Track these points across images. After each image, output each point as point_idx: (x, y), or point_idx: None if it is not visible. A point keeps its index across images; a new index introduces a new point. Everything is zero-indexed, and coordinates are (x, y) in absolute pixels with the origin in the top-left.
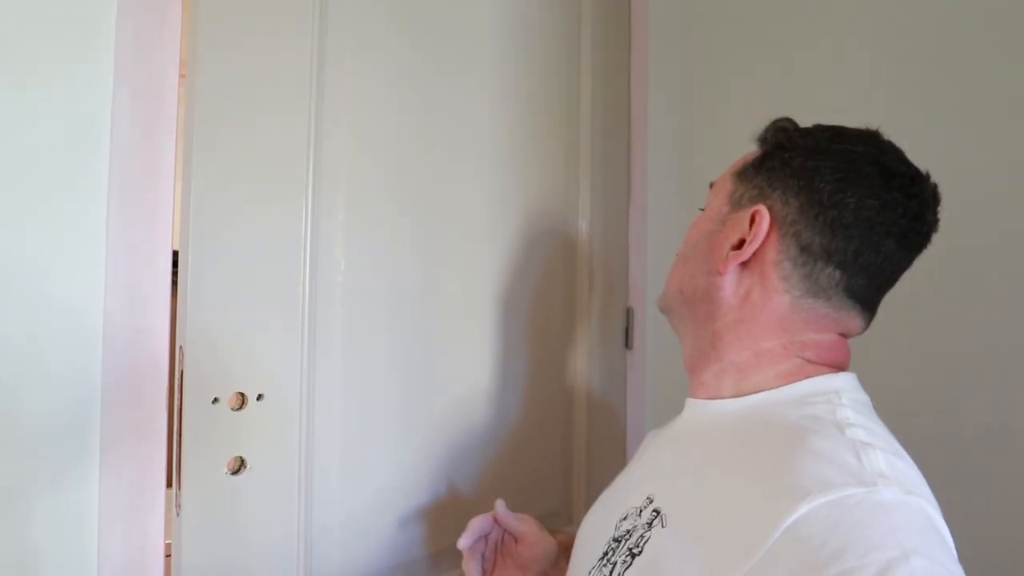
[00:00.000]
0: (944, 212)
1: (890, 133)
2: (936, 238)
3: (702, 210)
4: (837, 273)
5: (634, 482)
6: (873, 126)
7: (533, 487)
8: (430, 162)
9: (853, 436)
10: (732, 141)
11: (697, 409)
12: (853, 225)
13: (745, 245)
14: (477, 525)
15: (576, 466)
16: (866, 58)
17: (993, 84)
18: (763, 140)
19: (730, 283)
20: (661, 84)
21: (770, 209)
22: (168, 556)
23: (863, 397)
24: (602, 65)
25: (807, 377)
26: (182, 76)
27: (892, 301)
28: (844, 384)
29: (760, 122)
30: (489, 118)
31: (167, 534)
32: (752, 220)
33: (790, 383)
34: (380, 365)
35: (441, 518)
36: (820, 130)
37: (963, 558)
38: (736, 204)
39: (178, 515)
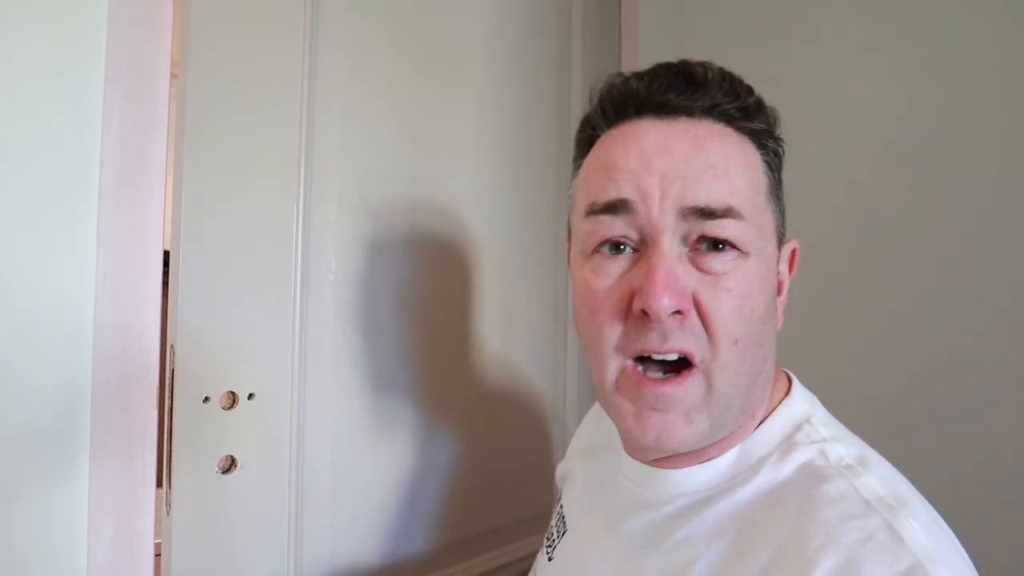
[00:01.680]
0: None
1: (887, 123)
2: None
3: (730, 246)
4: None
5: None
6: (875, 123)
7: (521, 489)
8: (421, 162)
9: (869, 493)
10: None
11: (657, 481)
12: None
13: (783, 287)
14: None
15: None
16: (863, 49)
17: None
18: (747, 111)
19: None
20: None
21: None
22: (158, 556)
23: (819, 406)
24: (592, 61)
25: (773, 408)
26: (173, 76)
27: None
28: (801, 403)
29: None
30: (481, 115)
31: (157, 533)
32: (793, 257)
33: (760, 421)
34: (370, 364)
35: (431, 517)
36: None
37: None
38: (778, 241)
39: (168, 514)
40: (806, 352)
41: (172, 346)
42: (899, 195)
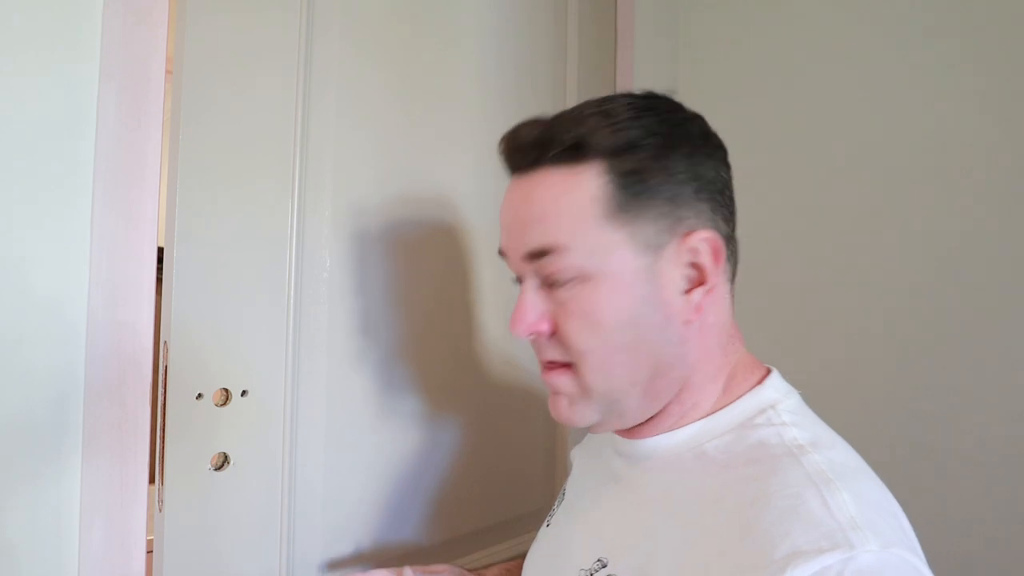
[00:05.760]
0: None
1: (888, 118)
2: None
3: (565, 277)
4: (736, 241)
5: (578, 530)
6: (869, 128)
7: (517, 484)
8: (418, 160)
9: (811, 467)
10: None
11: (632, 449)
12: (729, 189)
13: (708, 276)
14: None
15: (560, 462)
16: (857, 62)
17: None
18: (578, 147)
19: (695, 326)
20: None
21: (694, 224)
22: (150, 552)
23: (794, 396)
24: (588, 57)
25: (740, 394)
26: (168, 72)
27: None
28: (771, 391)
29: (747, 120)
30: (478, 112)
31: (149, 530)
32: (712, 247)
33: (725, 405)
34: (365, 362)
35: (425, 515)
36: (646, 105)
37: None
38: (653, 247)
39: (160, 511)
40: (798, 347)
41: (165, 343)
42: (886, 197)
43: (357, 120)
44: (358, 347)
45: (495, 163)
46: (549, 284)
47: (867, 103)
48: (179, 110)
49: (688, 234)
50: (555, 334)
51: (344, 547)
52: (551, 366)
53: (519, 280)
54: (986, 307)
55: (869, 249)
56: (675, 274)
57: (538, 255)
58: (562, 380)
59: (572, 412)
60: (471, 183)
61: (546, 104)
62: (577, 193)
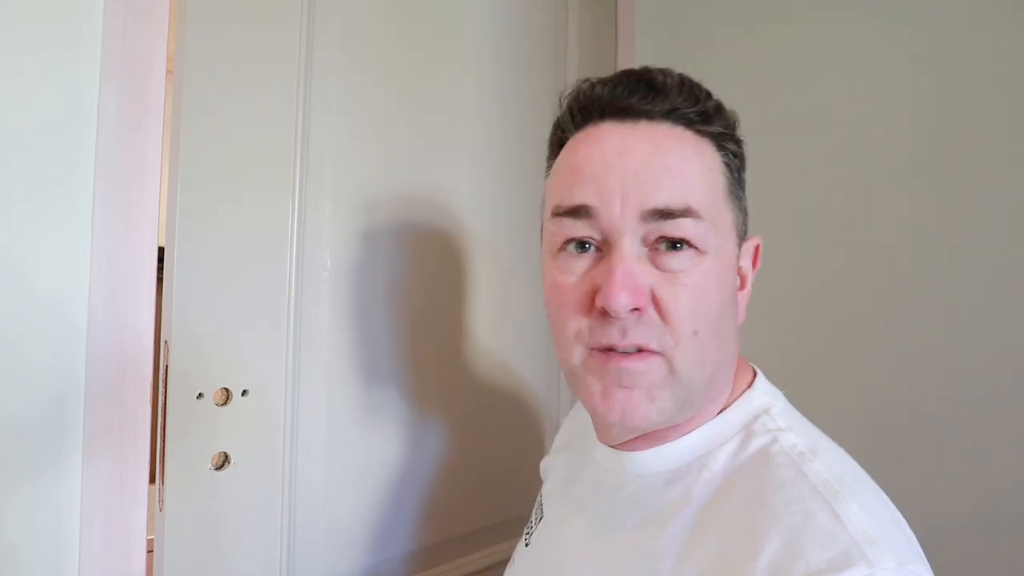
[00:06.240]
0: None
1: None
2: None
3: (688, 245)
4: None
5: (567, 560)
6: (869, 119)
7: (515, 484)
8: (417, 158)
9: (816, 478)
10: None
11: (625, 463)
12: None
13: (747, 283)
14: None
15: None
16: (856, 50)
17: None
18: (706, 114)
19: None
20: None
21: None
22: (150, 552)
23: (780, 398)
24: (589, 59)
25: (734, 399)
26: (169, 72)
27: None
28: (762, 395)
29: (746, 120)
30: (477, 112)
31: (149, 530)
32: (756, 253)
33: (721, 410)
34: (365, 361)
35: (425, 515)
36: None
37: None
38: (738, 239)
39: (161, 510)
40: (791, 347)
41: (166, 342)
42: (892, 196)
43: (357, 120)
44: (359, 347)
45: (494, 163)
46: (656, 253)
47: (867, 104)
48: (179, 110)
49: (749, 237)
50: (648, 311)
51: (344, 546)
52: (630, 353)
53: (582, 243)
54: (986, 306)
55: (869, 248)
56: (736, 272)
57: (669, 214)
58: (651, 364)
59: (651, 406)
60: (470, 183)
61: (546, 104)
62: (708, 161)
